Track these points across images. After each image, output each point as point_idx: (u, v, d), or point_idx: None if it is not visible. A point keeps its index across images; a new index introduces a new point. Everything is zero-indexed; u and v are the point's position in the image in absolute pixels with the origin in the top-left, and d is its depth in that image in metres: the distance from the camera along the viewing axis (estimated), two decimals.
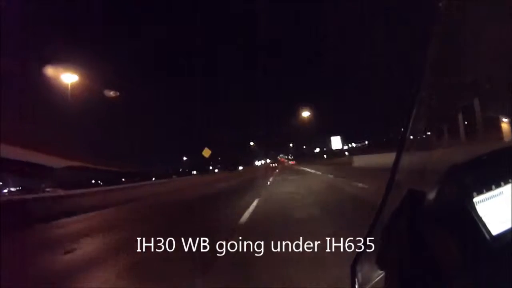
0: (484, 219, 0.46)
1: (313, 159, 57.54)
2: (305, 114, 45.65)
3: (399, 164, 0.60)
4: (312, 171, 20.84)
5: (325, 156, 54.82)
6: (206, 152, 24.32)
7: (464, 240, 0.46)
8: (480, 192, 0.48)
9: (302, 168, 31.01)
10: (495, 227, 0.47)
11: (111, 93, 17.25)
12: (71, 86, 15.73)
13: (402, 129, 0.62)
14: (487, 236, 0.45)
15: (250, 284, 2.36)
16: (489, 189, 0.49)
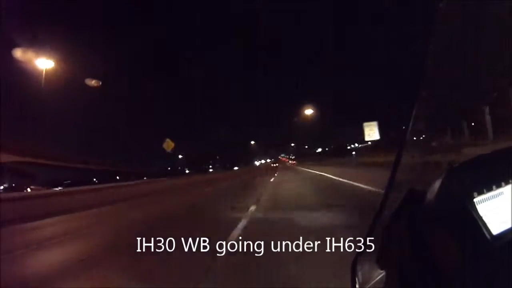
0: (485, 219, 0.46)
1: (317, 158, 52.89)
2: (307, 113, 44.19)
3: (399, 164, 0.60)
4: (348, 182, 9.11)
5: (353, 153, 37.17)
6: (168, 146, 18.87)
7: (464, 240, 0.46)
8: (480, 192, 0.48)
9: (310, 170, 20.41)
10: (496, 227, 0.47)
11: (93, 82, 15.34)
12: (46, 72, 13.86)
13: (403, 129, 0.62)
14: (488, 236, 0.45)
15: (250, 284, 2.36)
16: (489, 189, 0.49)
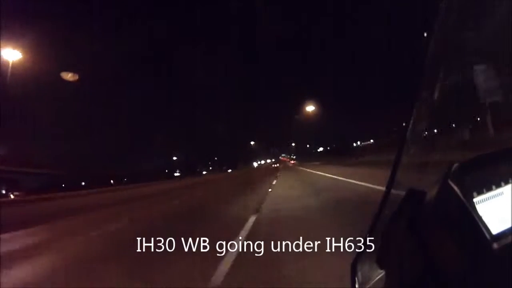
0: (484, 219, 0.46)
1: (321, 158, 48.03)
2: (308, 109, 43.77)
3: (399, 164, 0.60)
4: None
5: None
6: (67, 76, 13.45)
7: (464, 240, 0.46)
8: (480, 192, 0.48)
9: (337, 177, 10.94)
10: (495, 227, 0.46)
11: (69, 76, 13.42)
12: (12, 65, 12.02)
13: (403, 128, 0.62)
14: (487, 236, 0.45)
15: (250, 284, 2.35)
16: (489, 189, 0.49)
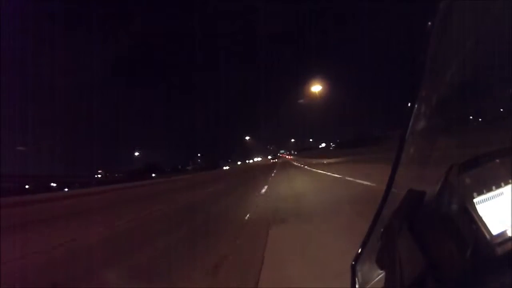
0: (484, 219, 0.46)
1: (330, 153, 37.76)
2: (314, 93, 41.23)
3: (399, 164, 0.60)
4: None
5: None
6: None
7: (464, 240, 0.46)
8: (480, 193, 0.48)
9: None
10: (495, 227, 0.47)
11: None
12: None
13: (403, 128, 0.62)
14: (487, 236, 0.45)
15: (250, 284, 2.36)
16: (489, 189, 0.49)
